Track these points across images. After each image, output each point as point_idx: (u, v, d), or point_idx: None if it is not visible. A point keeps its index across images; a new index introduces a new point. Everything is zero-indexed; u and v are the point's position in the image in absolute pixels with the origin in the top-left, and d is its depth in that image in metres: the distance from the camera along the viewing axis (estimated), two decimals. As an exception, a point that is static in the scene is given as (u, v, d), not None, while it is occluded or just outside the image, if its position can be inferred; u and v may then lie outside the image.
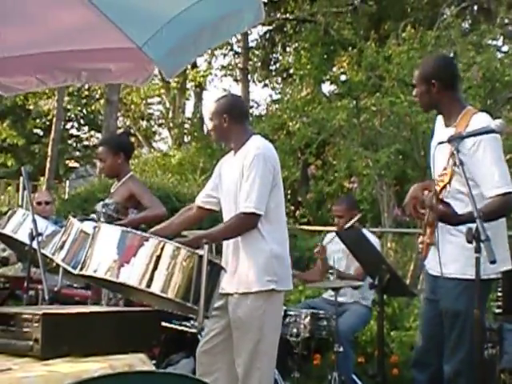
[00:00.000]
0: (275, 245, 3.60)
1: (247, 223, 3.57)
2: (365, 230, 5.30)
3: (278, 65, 19.93)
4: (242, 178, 3.60)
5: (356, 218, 5.50)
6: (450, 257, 3.44)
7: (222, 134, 3.82)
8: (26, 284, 4.27)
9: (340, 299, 5.15)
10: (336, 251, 5.55)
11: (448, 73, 3.65)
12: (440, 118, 3.71)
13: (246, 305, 3.56)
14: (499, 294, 4.76)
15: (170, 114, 21.69)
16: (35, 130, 22.94)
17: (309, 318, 5.10)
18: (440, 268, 3.41)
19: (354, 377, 5.26)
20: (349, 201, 5.92)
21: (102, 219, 4.64)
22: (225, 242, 3.71)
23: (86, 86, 20.38)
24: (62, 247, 3.98)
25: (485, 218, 2.98)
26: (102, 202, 4.82)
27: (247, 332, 3.55)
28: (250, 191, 3.54)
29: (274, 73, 20.39)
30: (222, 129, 3.78)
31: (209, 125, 3.96)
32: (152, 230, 3.79)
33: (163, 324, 4.68)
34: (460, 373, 3.44)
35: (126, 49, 4.25)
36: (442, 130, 3.63)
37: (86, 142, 25.01)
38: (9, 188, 18.32)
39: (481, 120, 3.41)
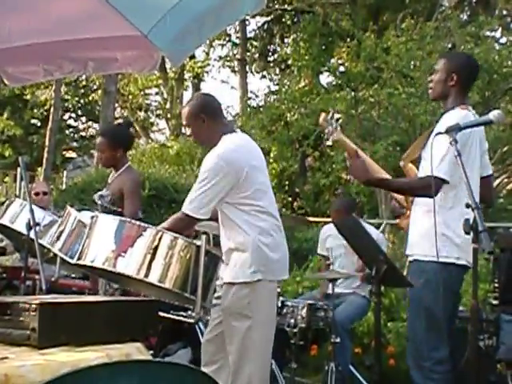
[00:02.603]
0: (264, 235, 3.56)
1: (185, 224, 3.52)
2: (367, 225, 5.30)
3: (276, 56, 19.91)
4: None
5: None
6: (414, 239, 3.61)
7: (202, 136, 3.73)
8: (23, 274, 4.28)
9: (338, 290, 5.15)
10: (336, 247, 5.55)
11: (467, 72, 3.78)
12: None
13: (231, 295, 3.52)
14: (496, 285, 4.77)
15: (168, 105, 21.68)
16: (33, 121, 22.88)
17: (306, 308, 5.10)
18: (410, 250, 3.54)
19: (351, 367, 5.28)
20: (344, 203, 5.91)
21: (99, 210, 4.62)
22: (221, 234, 3.68)
23: (84, 77, 20.35)
24: (59, 237, 3.97)
25: (395, 190, 3.47)
26: (98, 194, 4.81)
27: (235, 321, 3.51)
28: (194, 195, 3.52)
29: (272, 64, 20.37)
30: (201, 130, 3.70)
31: (188, 131, 3.78)
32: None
33: (160, 314, 4.69)
34: (423, 355, 3.56)
35: (131, 37, 4.25)
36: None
37: (83, 133, 24.96)
38: (6, 178, 18.31)
39: (453, 115, 3.51)
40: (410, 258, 3.70)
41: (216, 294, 3.45)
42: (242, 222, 3.56)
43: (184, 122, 3.78)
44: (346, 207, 5.67)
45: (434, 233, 3.34)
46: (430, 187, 3.29)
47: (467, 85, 3.80)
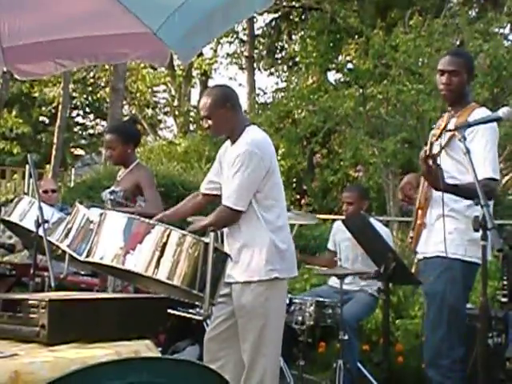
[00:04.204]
0: (277, 232, 3.59)
1: (227, 219, 3.57)
2: (374, 221, 5.28)
3: (283, 53, 19.90)
4: (229, 173, 3.59)
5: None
6: (436, 238, 3.55)
7: (226, 125, 3.68)
8: (32, 271, 4.27)
9: (345, 287, 5.14)
10: (344, 239, 5.54)
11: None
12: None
13: (249, 292, 3.56)
14: (505, 282, 4.76)
15: (176, 102, 21.68)
16: (41, 118, 22.95)
17: (314, 306, 5.10)
18: (433, 247, 3.51)
19: (359, 365, 5.26)
20: (360, 189, 5.90)
21: (109, 206, 4.64)
22: (225, 230, 3.69)
23: (92, 74, 20.39)
24: (68, 234, 3.97)
25: (467, 195, 3.23)
26: (109, 190, 4.83)
27: (252, 319, 3.56)
28: (234, 187, 3.54)
29: (279, 61, 20.34)
30: (226, 119, 3.65)
31: (205, 122, 3.75)
32: (159, 215, 3.77)
33: (169, 311, 4.69)
34: (442, 352, 3.52)
35: (141, 34, 4.26)
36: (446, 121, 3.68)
37: (91, 130, 25.03)
38: (15, 176, 18.35)
39: (481, 114, 3.49)
40: (431, 254, 3.65)
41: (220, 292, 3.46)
42: (260, 217, 3.56)
43: (205, 113, 3.69)
44: (359, 192, 5.66)
45: (459, 233, 3.37)
46: (493, 190, 3.39)
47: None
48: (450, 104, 3.72)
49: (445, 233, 3.41)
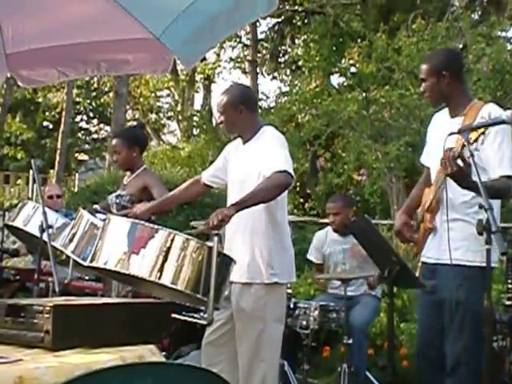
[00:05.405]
0: (280, 236, 3.59)
1: (282, 180, 3.41)
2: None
3: (286, 57, 19.88)
4: (262, 156, 3.50)
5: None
6: (452, 244, 3.43)
7: (236, 126, 3.72)
8: (36, 276, 4.28)
9: (348, 293, 5.12)
10: (338, 252, 5.52)
11: (457, 64, 3.73)
12: (442, 111, 3.75)
13: (248, 296, 3.55)
14: (509, 285, 4.74)
15: (179, 107, 21.68)
16: (45, 123, 22.99)
17: (318, 310, 5.09)
18: (449, 254, 3.42)
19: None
20: (343, 198, 5.91)
21: (114, 210, 4.65)
22: (231, 229, 3.59)
23: (95, 79, 20.42)
24: (72, 239, 3.99)
25: (490, 194, 3.04)
26: (115, 193, 4.84)
27: (250, 323, 3.54)
28: (277, 156, 3.46)
29: (282, 65, 20.33)
30: (237, 120, 3.69)
31: (218, 118, 3.83)
32: (158, 200, 4.12)
33: (173, 316, 4.68)
34: (461, 361, 3.46)
35: (143, 39, 4.27)
36: (447, 121, 3.65)
37: (95, 135, 25.06)
38: (19, 181, 18.40)
39: (491, 109, 3.44)
40: (446, 261, 3.50)
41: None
42: (274, 221, 3.54)
43: (219, 110, 3.76)
44: (344, 201, 5.65)
45: (475, 239, 3.30)
46: (510, 188, 3.37)
47: (462, 76, 3.73)
48: (447, 105, 3.71)
49: (462, 239, 3.38)
